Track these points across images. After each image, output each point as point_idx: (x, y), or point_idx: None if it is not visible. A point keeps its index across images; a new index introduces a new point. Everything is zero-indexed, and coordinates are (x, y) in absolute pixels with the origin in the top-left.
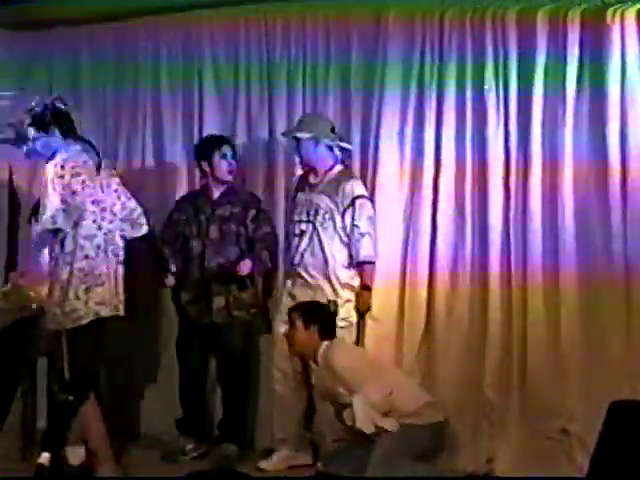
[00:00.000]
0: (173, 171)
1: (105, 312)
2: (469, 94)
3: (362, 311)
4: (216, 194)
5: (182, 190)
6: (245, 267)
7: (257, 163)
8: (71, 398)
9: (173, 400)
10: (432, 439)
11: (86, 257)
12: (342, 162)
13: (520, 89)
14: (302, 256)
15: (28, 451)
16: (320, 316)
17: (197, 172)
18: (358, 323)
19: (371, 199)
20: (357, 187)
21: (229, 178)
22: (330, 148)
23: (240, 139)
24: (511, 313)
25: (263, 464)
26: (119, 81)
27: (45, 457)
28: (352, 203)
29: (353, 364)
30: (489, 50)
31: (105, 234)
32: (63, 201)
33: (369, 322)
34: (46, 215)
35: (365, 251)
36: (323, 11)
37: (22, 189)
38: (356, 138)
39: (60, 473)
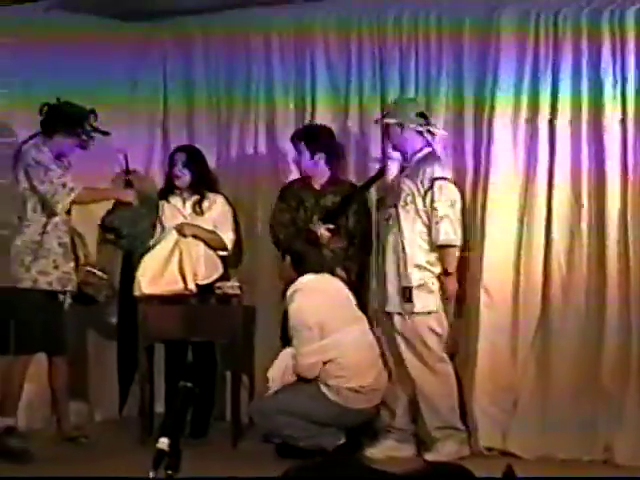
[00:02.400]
0: (285, 157)
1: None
2: (585, 81)
3: (448, 296)
4: (317, 184)
5: (294, 175)
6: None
7: (369, 148)
8: (189, 384)
9: None
10: (336, 417)
11: None
12: (430, 145)
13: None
14: (387, 241)
15: (146, 436)
16: (295, 248)
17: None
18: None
19: (455, 181)
20: (438, 169)
21: (309, 174)
22: (420, 133)
23: (352, 124)
24: (629, 299)
25: (368, 452)
26: (231, 69)
27: (164, 442)
28: (431, 185)
29: (299, 323)
30: (606, 37)
31: None
32: None
33: (483, 309)
34: None
35: (444, 234)
36: None
37: (138, 175)
38: (469, 122)
39: (179, 458)
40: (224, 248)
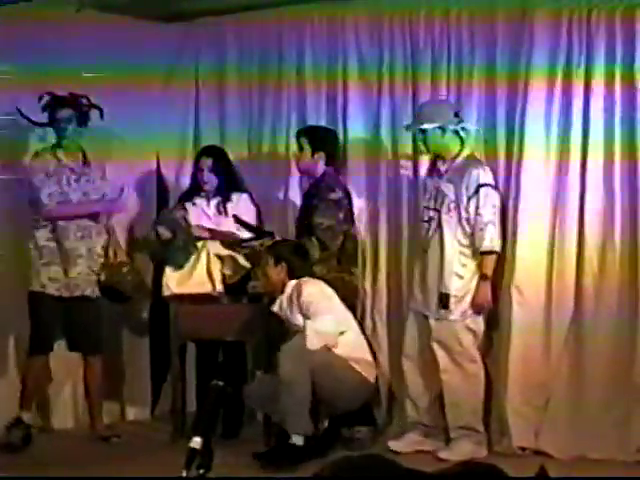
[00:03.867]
0: None
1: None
2: (618, 80)
3: (478, 304)
4: (306, 185)
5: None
6: None
7: (401, 140)
8: (221, 384)
9: None
10: (358, 387)
11: None
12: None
13: None
14: (429, 245)
15: (178, 435)
16: (289, 256)
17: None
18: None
19: (495, 186)
20: (482, 175)
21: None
22: (456, 132)
23: (384, 127)
24: None
25: (392, 445)
26: (264, 71)
27: (196, 441)
28: (477, 191)
29: (318, 296)
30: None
31: None
32: None
33: (515, 307)
34: None
35: (489, 241)
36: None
37: (169, 175)
38: (501, 117)
39: (211, 457)
40: None
